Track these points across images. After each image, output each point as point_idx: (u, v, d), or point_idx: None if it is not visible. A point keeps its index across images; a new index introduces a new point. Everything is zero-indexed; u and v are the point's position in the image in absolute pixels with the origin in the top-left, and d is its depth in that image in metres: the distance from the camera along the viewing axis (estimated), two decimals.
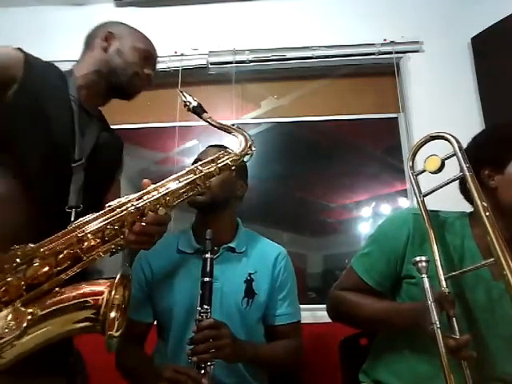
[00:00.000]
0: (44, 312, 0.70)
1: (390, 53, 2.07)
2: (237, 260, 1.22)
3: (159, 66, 2.15)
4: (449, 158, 0.96)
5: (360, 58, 2.10)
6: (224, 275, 1.16)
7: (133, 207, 0.81)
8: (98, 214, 0.80)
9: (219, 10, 2.24)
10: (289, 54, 2.11)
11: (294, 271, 1.29)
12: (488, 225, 0.83)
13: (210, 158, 0.94)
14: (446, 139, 0.96)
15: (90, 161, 0.97)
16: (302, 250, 2.18)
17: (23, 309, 0.69)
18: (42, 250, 0.74)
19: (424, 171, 1.01)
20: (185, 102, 1.01)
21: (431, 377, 0.93)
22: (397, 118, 2.11)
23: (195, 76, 2.19)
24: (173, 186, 0.87)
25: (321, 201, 2.22)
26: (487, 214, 0.84)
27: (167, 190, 0.86)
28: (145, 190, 0.85)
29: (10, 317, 0.68)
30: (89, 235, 0.77)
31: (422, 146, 1.03)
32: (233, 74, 2.16)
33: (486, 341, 0.93)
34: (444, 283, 0.90)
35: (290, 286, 1.25)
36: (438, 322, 0.81)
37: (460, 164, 0.92)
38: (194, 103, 1.00)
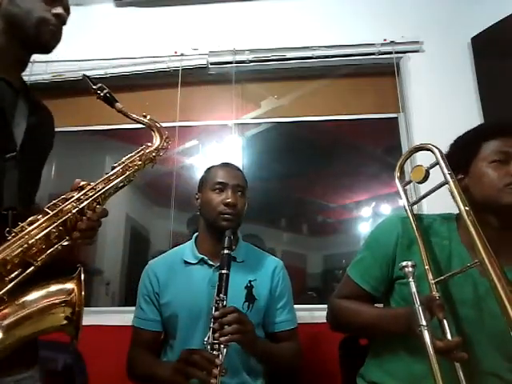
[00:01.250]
0: (8, 321, 0.71)
1: (390, 53, 2.07)
2: (237, 268, 1.26)
3: (159, 66, 2.19)
4: (433, 167, 1.00)
5: (360, 57, 2.10)
6: None
7: (76, 209, 0.82)
8: (42, 219, 0.79)
9: (219, 10, 2.24)
10: (289, 54, 2.11)
11: (290, 282, 1.37)
12: (472, 228, 0.87)
13: (136, 155, 0.97)
14: (429, 149, 1.01)
15: (24, 152, 0.87)
16: (302, 250, 2.18)
17: None
18: None
19: (410, 182, 1.07)
20: (94, 89, 0.94)
21: (426, 376, 0.93)
22: (397, 118, 2.11)
23: (195, 76, 2.19)
24: (108, 184, 0.89)
25: (321, 201, 2.23)
26: (470, 218, 0.88)
27: (105, 189, 0.88)
28: (84, 191, 0.85)
29: None
30: (36, 241, 0.76)
31: (408, 158, 1.10)
32: (233, 74, 2.16)
33: (474, 337, 0.95)
34: (434, 287, 0.92)
35: (288, 295, 1.33)
36: (425, 325, 0.83)
37: (442, 172, 0.96)
38: (106, 90, 0.94)
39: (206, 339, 1.03)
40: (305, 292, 2.10)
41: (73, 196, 0.83)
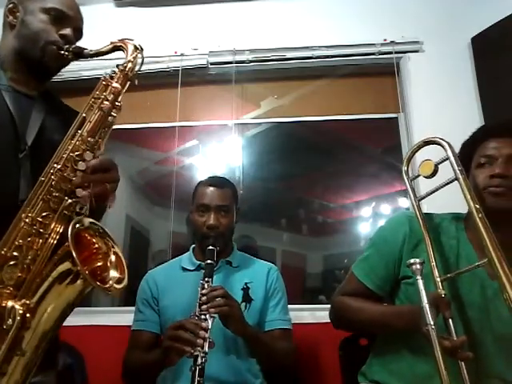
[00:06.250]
0: (37, 297, 0.71)
1: (390, 53, 2.06)
2: (233, 272, 1.35)
3: (159, 66, 2.19)
4: (442, 162, 0.97)
5: (360, 57, 2.10)
6: (223, 284, 1.26)
7: (56, 168, 0.78)
8: (31, 193, 0.77)
9: (219, 10, 2.23)
10: (289, 54, 2.11)
11: (284, 286, 1.40)
12: (481, 226, 0.85)
13: (103, 83, 0.94)
14: (439, 144, 0.98)
15: (36, 148, 0.90)
16: (302, 250, 2.18)
17: (16, 306, 0.70)
18: (4, 249, 0.72)
19: (419, 176, 1.02)
20: (62, 54, 0.92)
21: (429, 376, 0.93)
22: (397, 118, 2.10)
23: (195, 76, 2.19)
24: (85, 128, 0.83)
25: (321, 201, 2.23)
26: (480, 215, 0.86)
27: (79, 136, 0.82)
28: (58, 149, 0.81)
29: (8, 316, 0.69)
30: (36, 217, 0.75)
31: (416, 151, 1.05)
32: (233, 74, 2.15)
33: (481, 340, 0.94)
34: (440, 285, 0.91)
35: (281, 296, 1.36)
36: (432, 323, 0.82)
37: (453, 168, 0.94)
38: (72, 47, 0.92)
39: (191, 314, 1.10)
40: (305, 292, 2.11)
41: (52, 159, 0.80)
